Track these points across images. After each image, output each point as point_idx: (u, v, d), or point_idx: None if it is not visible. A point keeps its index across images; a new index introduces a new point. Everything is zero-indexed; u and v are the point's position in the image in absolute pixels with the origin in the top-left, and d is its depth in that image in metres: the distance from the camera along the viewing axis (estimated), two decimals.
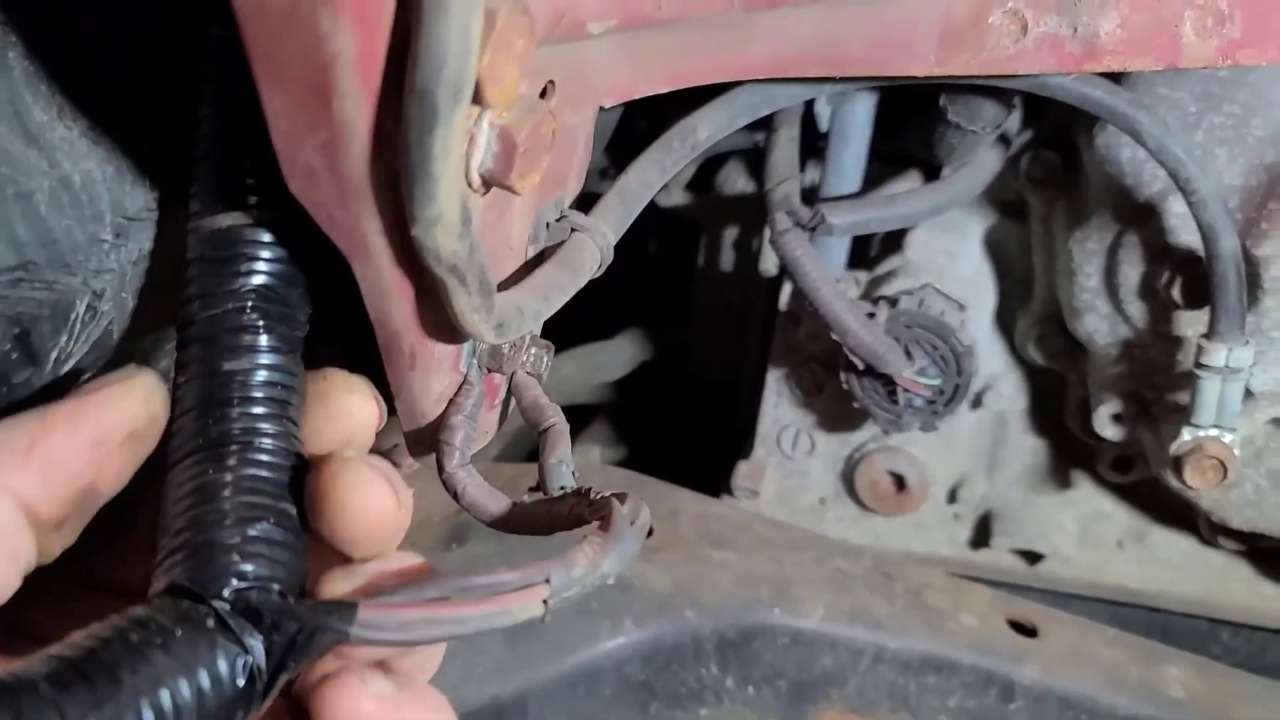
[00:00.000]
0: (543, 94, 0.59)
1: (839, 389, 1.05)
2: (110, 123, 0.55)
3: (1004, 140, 1.00)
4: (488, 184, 0.53)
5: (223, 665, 0.46)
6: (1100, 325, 1.00)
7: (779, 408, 1.17)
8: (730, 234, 1.32)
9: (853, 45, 0.66)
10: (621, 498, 0.59)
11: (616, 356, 1.36)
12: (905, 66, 0.67)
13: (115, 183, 0.55)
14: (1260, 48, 0.62)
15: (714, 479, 1.30)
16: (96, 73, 0.55)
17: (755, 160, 1.24)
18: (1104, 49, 0.63)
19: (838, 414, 1.15)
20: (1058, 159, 1.02)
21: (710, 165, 1.30)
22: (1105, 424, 1.03)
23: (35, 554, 0.45)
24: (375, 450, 0.94)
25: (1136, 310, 0.97)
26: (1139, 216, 0.93)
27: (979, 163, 0.98)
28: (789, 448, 1.18)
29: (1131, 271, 0.95)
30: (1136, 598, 1.21)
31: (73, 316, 0.52)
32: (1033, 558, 1.20)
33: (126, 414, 0.48)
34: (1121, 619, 1.18)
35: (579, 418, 1.51)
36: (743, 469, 1.18)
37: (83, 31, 0.55)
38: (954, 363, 0.98)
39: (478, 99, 0.46)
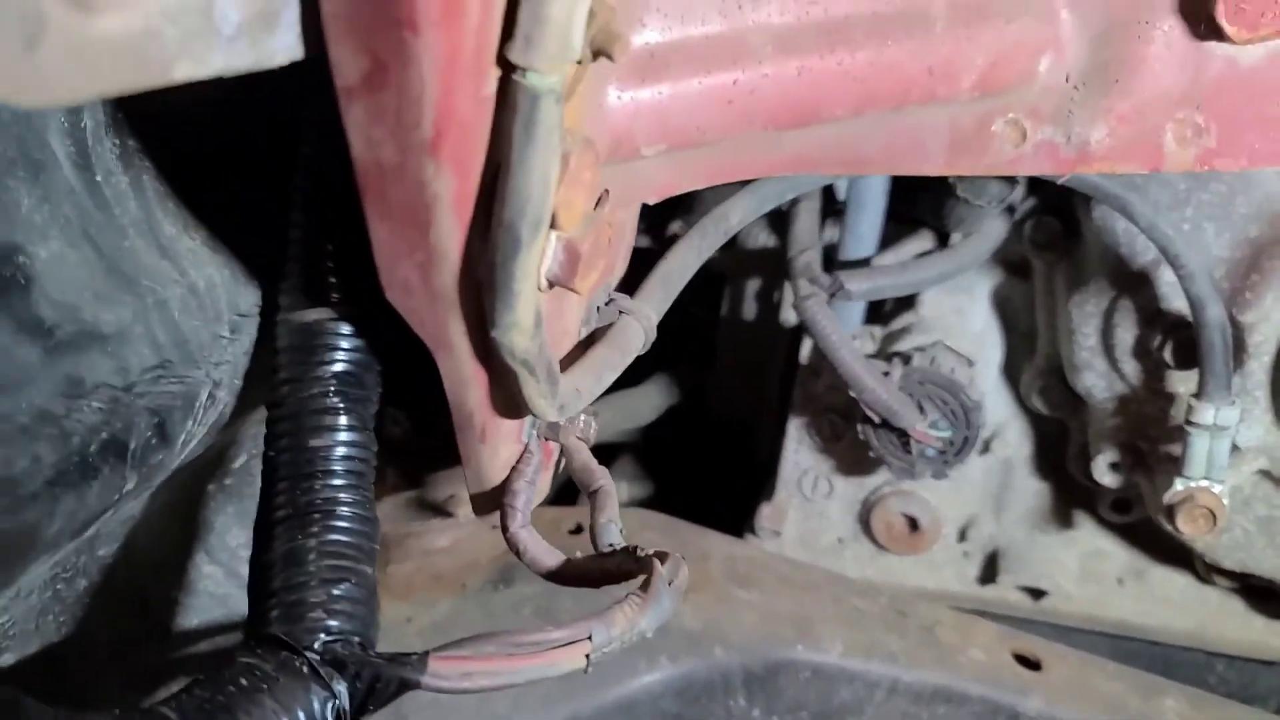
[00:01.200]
0: (598, 203, 0.67)
1: (856, 438, 1.13)
2: (224, 232, 0.64)
3: (1009, 209, 1.07)
4: (552, 284, 0.61)
5: (316, 707, 0.54)
6: (1098, 381, 1.08)
7: (800, 453, 1.25)
8: (752, 285, 1.40)
9: (869, 148, 0.74)
10: (663, 557, 0.67)
11: (647, 402, 1.44)
12: (917, 166, 0.74)
13: (231, 285, 0.63)
14: (1234, 156, 0.70)
15: (731, 513, 1.37)
16: (211, 189, 0.64)
17: (777, 218, 1.32)
18: (1094, 155, 0.71)
19: (855, 460, 1.23)
20: (1059, 225, 1.10)
21: None
22: (1103, 472, 1.11)
23: None
24: (431, 501, 1.03)
25: (1131, 369, 1.05)
26: (1133, 283, 1.00)
27: (986, 231, 1.05)
28: (809, 491, 1.26)
29: (1126, 334, 1.03)
30: (1136, 632, 1.27)
31: (198, 404, 0.60)
32: (1037, 594, 1.27)
33: None
34: (1121, 652, 1.25)
35: (605, 456, 1.59)
36: (765, 511, 1.25)
37: (198, 153, 0.64)
38: (964, 416, 1.05)
39: (552, 224, 0.54)
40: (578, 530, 1.10)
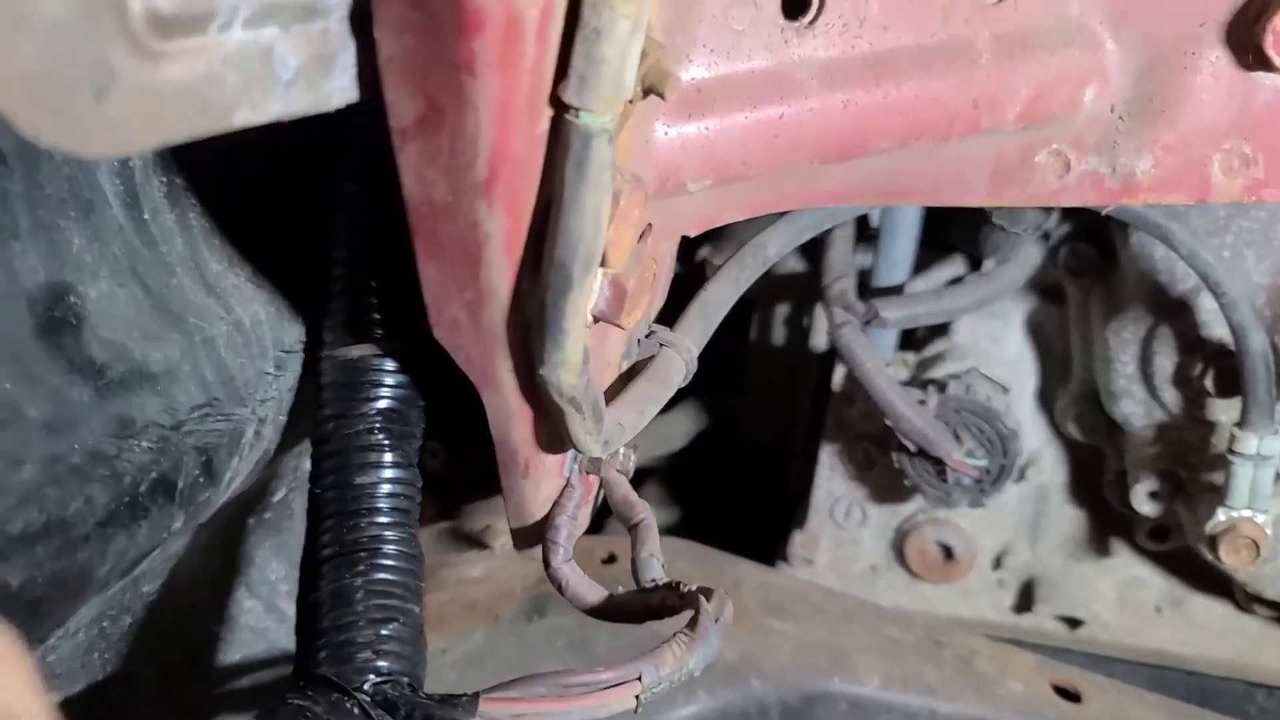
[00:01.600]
0: (641, 236, 0.67)
1: (890, 465, 1.12)
2: (267, 268, 0.64)
3: (1044, 235, 1.07)
4: (597, 320, 0.61)
5: None
6: (1136, 409, 1.07)
7: (832, 481, 1.24)
8: (782, 311, 1.40)
9: (911, 180, 0.73)
10: (708, 594, 0.66)
11: (677, 428, 1.44)
12: (959, 197, 0.74)
13: (275, 321, 0.63)
14: None
15: (761, 540, 1.37)
16: (254, 225, 0.64)
17: (807, 244, 1.31)
18: (1140, 186, 0.70)
19: (888, 487, 1.22)
20: (1094, 252, 1.09)
21: None
22: (1142, 500, 1.10)
23: None
24: (466, 532, 1.02)
25: (1171, 397, 1.04)
26: (1172, 311, 1.00)
27: (1021, 258, 1.05)
28: (842, 518, 1.25)
29: (1166, 361, 1.02)
30: (1174, 661, 1.26)
31: (244, 442, 0.60)
32: (1073, 623, 1.26)
33: None
34: (1160, 682, 1.23)
35: (634, 482, 1.58)
36: (798, 538, 1.25)
37: (242, 189, 0.64)
38: (1000, 445, 1.04)
39: (601, 262, 0.54)
40: (610, 560, 1.10)
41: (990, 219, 0.97)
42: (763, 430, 1.48)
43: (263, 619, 0.78)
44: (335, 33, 0.43)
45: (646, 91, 0.50)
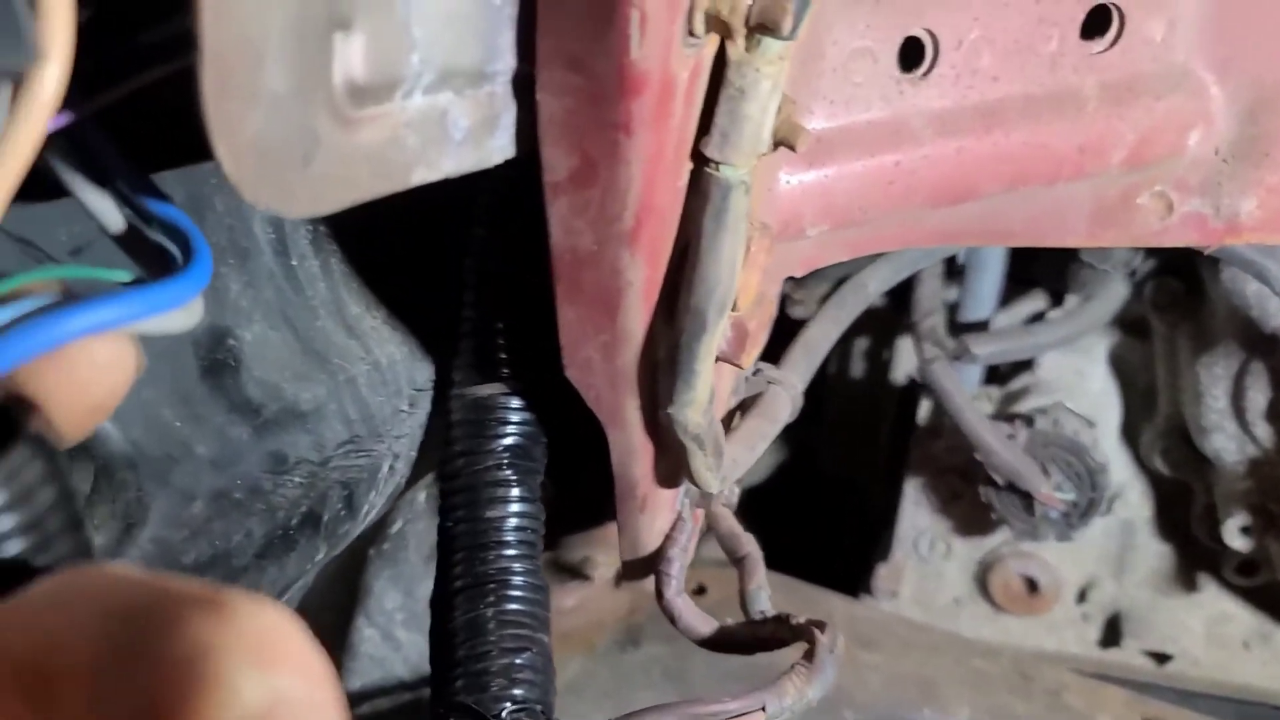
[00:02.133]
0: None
1: (975, 498, 1.13)
2: (401, 311, 0.67)
3: (1131, 272, 1.08)
4: (718, 360, 0.63)
5: None
6: (1228, 444, 1.07)
7: (916, 514, 1.25)
8: (861, 344, 1.41)
9: (1013, 222, 0.75)
10: (821, 626, 0.68)
11: (759, 461, 1.45)
12: (1060, 238, 0.75)
13: (409, 361, 0.66)
14: None
15: (841, 571, 1.37)
16: (388, 269, 0.67)
17: None
18: (1244, 226, 0.71)
19: (972, 520, 1.23)
20: (1181, 287, 1.09)
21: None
22: (1234, 536, 1.09)
23: None
24: (565, 563, 1.05)
25: (1264, 432, 1.04)
26: (1265, 346, 1.00)
27: (1108, 294, 1.06)
28: (926, 551, 1.26)
29: (1259, 396, 1.02)
30: (1263, 697, 1.24)
31: (380, 476, 0.63)
32: (1161, 658, 1.25)
33: None
34: (1247, 718, 1.22)
35: None
36: (882, 571, 1.26)
37: (376, 235, 0.67)
38: (1089, 479, 1.05)
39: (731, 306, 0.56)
40: (700, 591, 1.11)
41: (1079, 255, 0.98)
42: (842, 463, 1.49)
43: (380, 647, 0.80)
44: (500, 95, 0.46)
45: (777, 144, 0.53)
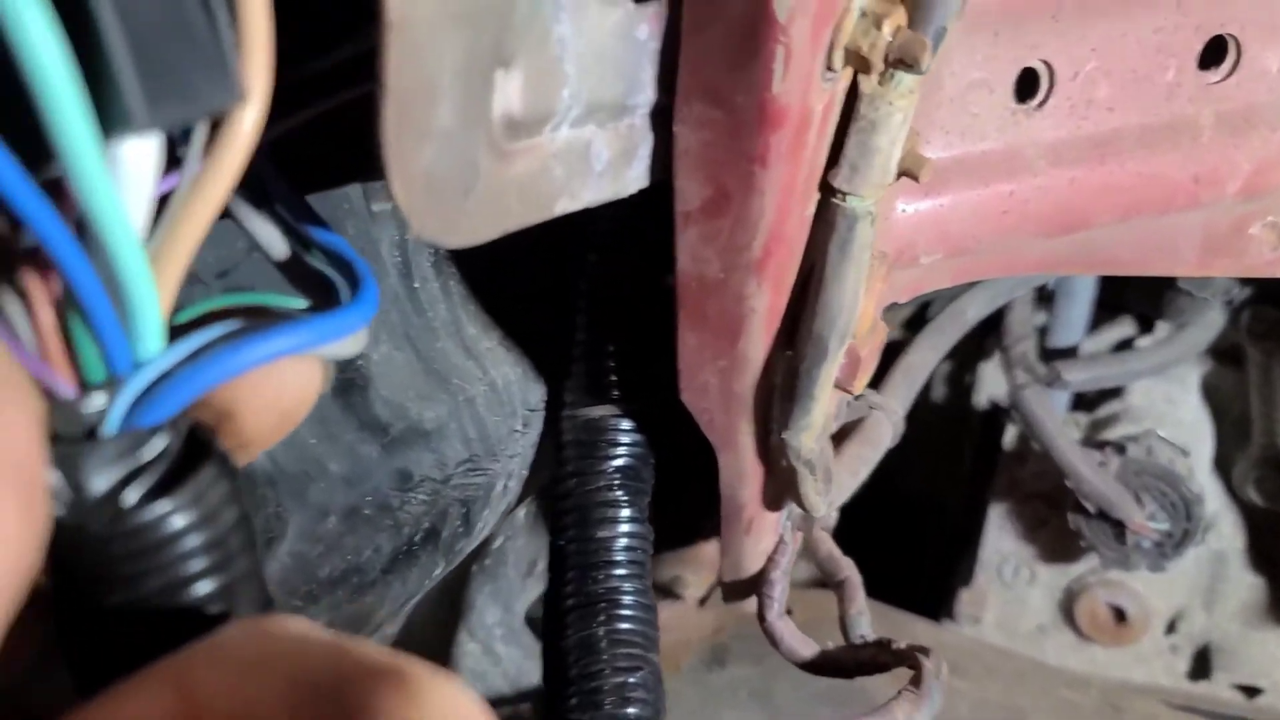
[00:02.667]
0: None
1: (1061, 525, 1.12)
2: (516, 333, 0.68)
3: (1229, 300, 1.06)
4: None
5: None
6: None
7: (1001, 539, 1.24)
8: (943, 367, 1.40)
9: (1122, 251, 0.75)
10: (925, 652, 0.68)
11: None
12: (1169, 268, 0.75)
13: (523, 382, 0.67)
14: None
15: (919, 594, 1.36)
16: (502, 291, 0.68)
17: None
18: None
19: (1058, 547, 1.22)
20: (1277, 315, 1.08)
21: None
22: None
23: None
24: (656, 582, 1.05)
25: None
26: None
27: (1205, 322, 1.04)
28: (1010, 577, 1.25)
29: None
30: None
31: (495, 494, 0.64)
32: (1252, 691, 1.23)
33: None
34: None
35: None
36: (965, 596, 1.25)
37: (492, 258, 0.68)
38: (1184, 509, 1.04)
39: None
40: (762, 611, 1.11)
41: (1175, 282, 0.97)
42: (921, 486, 1.49)
43: (480, 661, 0.81)
44: (639, 127, 0.47)
45: (900, 174, 0.53)
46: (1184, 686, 1.24)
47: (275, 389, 0.35)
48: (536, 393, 0.68)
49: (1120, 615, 1.22)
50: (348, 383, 0.56)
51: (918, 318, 1.22)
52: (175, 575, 0.33)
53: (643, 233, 0.67)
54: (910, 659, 0.67)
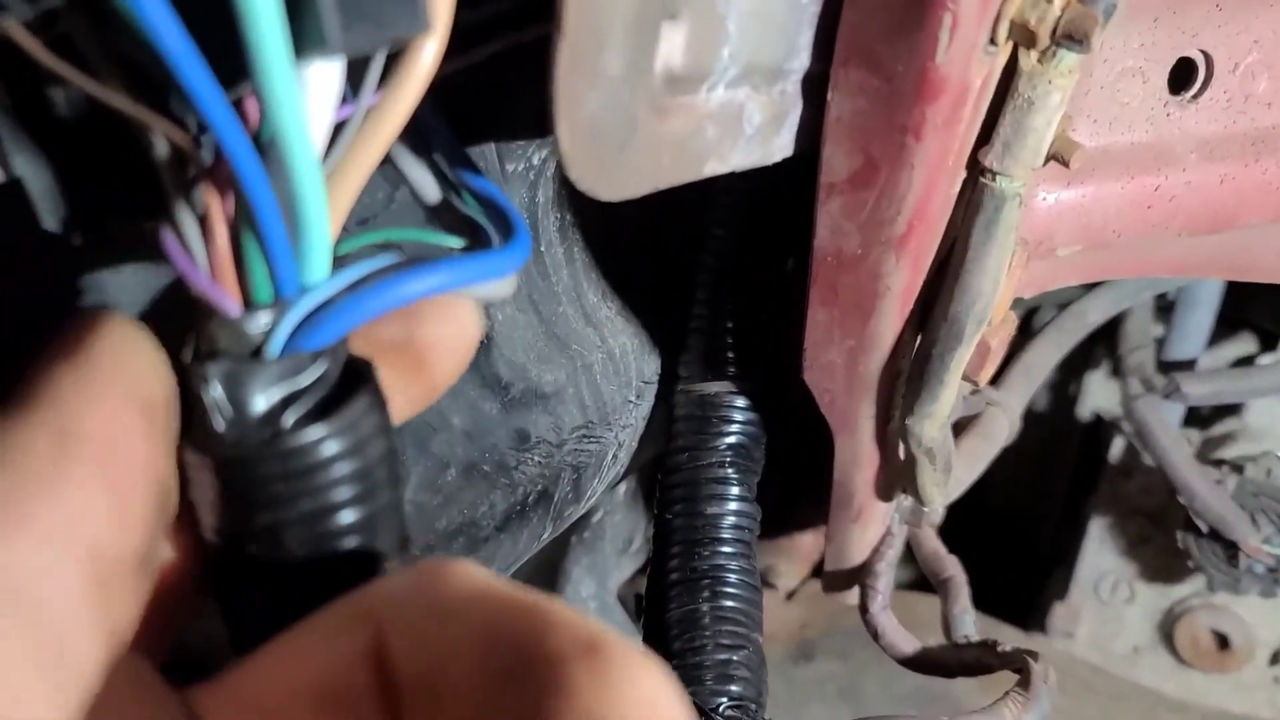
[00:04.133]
0: None
1: (1165, 543, 1.09)
2: (634, 303, 0.68)
3: None
4: None
5: None
6: None
7: (1100, 555, 1.21)
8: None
9: (1261, 255, 0.72)
10: (1034, 655, 0.66)
11: None
12: None
13: (639, 353, 0.67)
14: None
15: (1009, 606, 1.33)
16: (625, 261, 0.68)
17: None
18: None
19: (1161, 567, 1.18)
20: None
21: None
22: None
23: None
24: None
25: None
26: None
27: None
28: (1107, 595, 1.21)
29: None
30: None
31: (605, 463, 0.64)
32: None
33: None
34: None
35: None
36: (1060, 611, 1.22)
37: (616, 228, 0.68)
38: None
39: None
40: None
41: None
42: (1017, 496, 1.45)
43: None
44: (791, 94, 0.46)
45: (1050, 158, 0.52)
46: None
47: (459, 330, 0.35)
48: (652, 365, 0.68)
49: (1223, 642, 1.18)
50: None
51: (1023, 324, 1.19)
52: (323, 501, 0.33)
53: (769, 211, 0.67)
54: (1019, 662, 0.65)
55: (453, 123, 0.46)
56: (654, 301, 0.69)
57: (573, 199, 0.64)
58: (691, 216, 0.68)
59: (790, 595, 1.09)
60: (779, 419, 0.69)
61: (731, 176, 0.66)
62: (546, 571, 0.82)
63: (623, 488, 0.85)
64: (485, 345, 0.57)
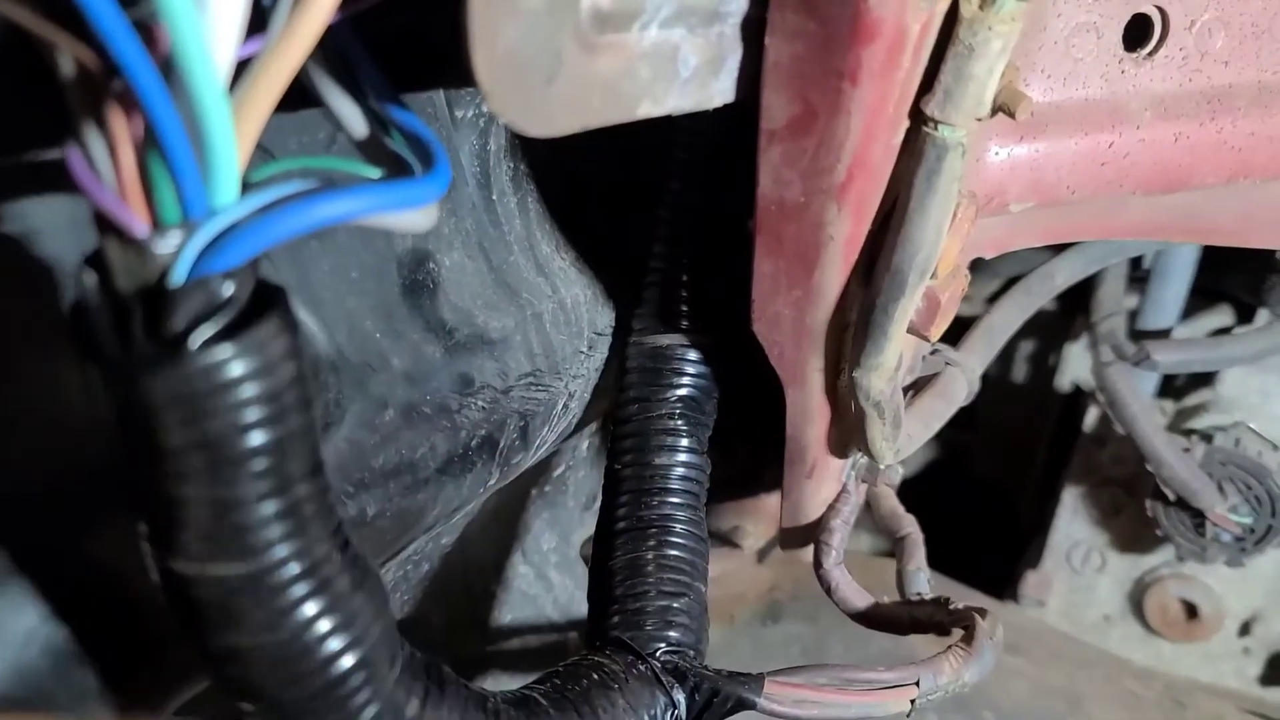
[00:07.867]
0: None
1: (1137, 513, 1.09)
2: (589, 255, 0.68)
3: None
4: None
5: (658, 713, 0.57)
6: None
7: (1073, 524, 1.21)
8: (1026, 346, 1.37)
9: (1224, 219, 0.72)
10: (981, 613, 0.67)
11: (910, 458, 1.43)
12: (1274, 241, 0.72)
13: (592, 304, 0.67)
14: None
15: (983, 574, 1.34)
16: (579, 213, 0.68)
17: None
18: None
19: (1132, 536, 1.18)
20: None
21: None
22: None
23: None
24: (715, 530, 1.05)
25: None
26: None
27: None
28: (1079, 563, 1.22)
29: None
30: None
31: (554, 413, 0.64)
32: None
33: None
34: None
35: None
36: (1031, 579, 1.22)
37: (571, 180, 0.68)
38: (1269, 504, 1.00)
39: None
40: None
41: None
42: (996, 466, 1.46)
43: (533, 585, 0.82)
44: (729, 37, 0.46)
45: (996, 110, 0.51)
46: (1254, 691, 1.20)
47: None
48: (605, 317, 0.68)
49: (1192, 611, 1.18)
50: (417, 284, 0.56)
51: (1003, 294, 1.19)
52: (230, 421, 0.33)
53: (726, 164, 0.66)
54: (966, 619, 0.66)
55: (400, 67, 0.46)
56: (610, 254, 0.69)
57: (526, 148, 0.64)
58: (649, 170, 0.68)
59: (761, 557, 1.09)
60: (743, 376, 0.70)
61: (687, 130, 0.67)
62: (505, 522, 0.82)
63: (586, 443, 0.86)
64: (430, 290, 0.57)
